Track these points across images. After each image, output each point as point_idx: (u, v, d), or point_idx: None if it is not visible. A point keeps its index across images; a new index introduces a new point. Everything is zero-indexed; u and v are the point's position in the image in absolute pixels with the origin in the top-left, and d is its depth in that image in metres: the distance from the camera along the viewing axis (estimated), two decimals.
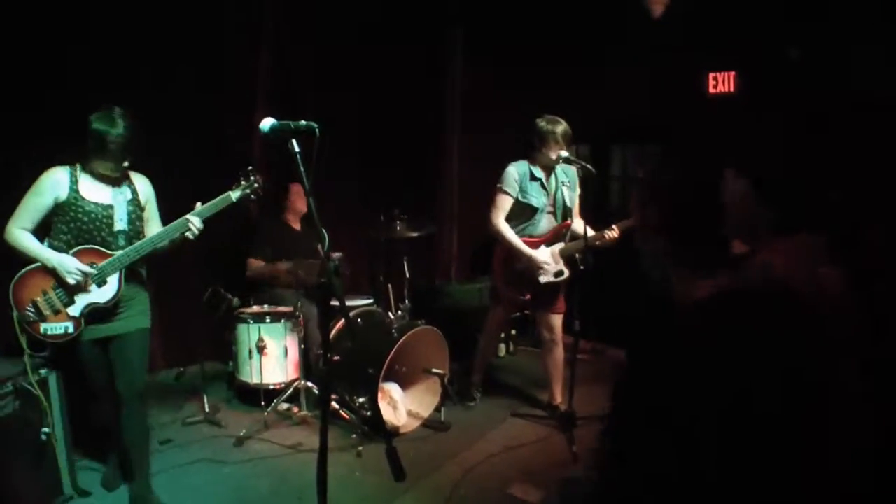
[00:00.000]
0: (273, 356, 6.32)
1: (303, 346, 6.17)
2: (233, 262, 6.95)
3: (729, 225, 5.59)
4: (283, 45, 7.64)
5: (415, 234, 6.47)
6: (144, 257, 4.47)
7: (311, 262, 6.13)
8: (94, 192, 4.40)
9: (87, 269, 4.28)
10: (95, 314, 4.41)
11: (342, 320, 5.88)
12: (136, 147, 4.35)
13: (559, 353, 6.17)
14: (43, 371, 4.56)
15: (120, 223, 4.46)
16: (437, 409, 6.19)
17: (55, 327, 4.32)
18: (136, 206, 4.55)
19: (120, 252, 4.38)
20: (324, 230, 3.10)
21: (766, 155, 6.76)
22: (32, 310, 4.26)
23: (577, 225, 5.95)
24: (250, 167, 4.81)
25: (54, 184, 4.32)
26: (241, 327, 6.38)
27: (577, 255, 5.81)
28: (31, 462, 4.46)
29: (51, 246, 4.34)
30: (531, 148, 5.93)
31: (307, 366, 6.24)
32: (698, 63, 8.09)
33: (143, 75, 6.26)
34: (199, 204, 4.59)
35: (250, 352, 6.28)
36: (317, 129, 3.11)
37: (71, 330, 4.35)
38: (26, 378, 4.44)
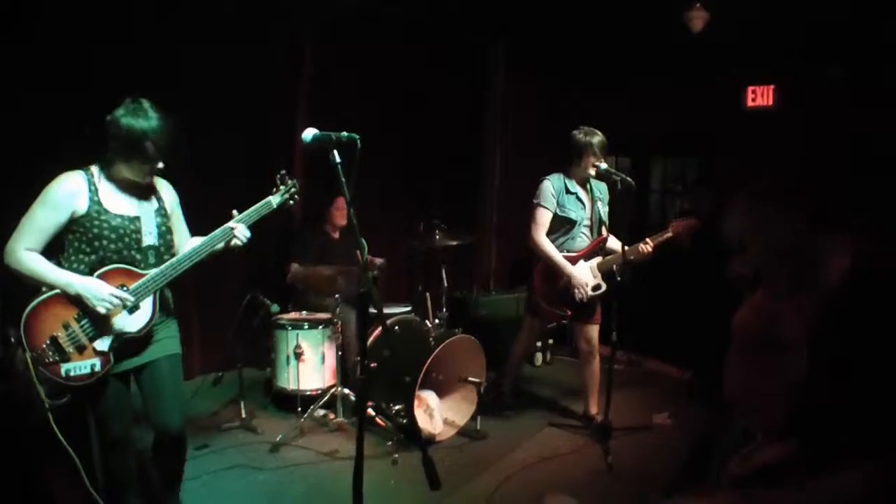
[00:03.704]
0: (310, 362, 6.37)
1: (340, 353, 6.19)
2: (271, 268, 7.02)
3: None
4: (326, 54, 7.72)
5: (453, 244, 6.47)
6: (181, 275, 3.82)
7: (351, 269, 6.18)
8: (117, 202, 3.71)
9: (120, 293, 3.59)
10: (124, 346, 3.72)
11: (380, 327, 5.93)
12: (171, 147, 3.69)
13: (596, 364, 6.17)
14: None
15: (149, 237, 3.80)
16: (473, 418, 6.18)
17: (79, 367, 3.56)
18: (163, 216, 3.92)
19: (154, 271, 3.72)
20: (363, 240, 3.13)
21: (807, 176, 6.76)
22: (51, 348, 3.49)
23: (611, 240, 6.10)
24: (285, 171, 4.31)
25: (70, 194, 3.57)
26: (279, 333, 6.43)
27: (614, 268, 5.82)
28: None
29: (67, 269, 3.60)
30: (567, 161, 5.96)
31: (344, 372, 6.28)
32: (737, 77, 8.10)
33: (183, 82, 6.33)
34: (235, 212, 4.01)
35: (287, 358, 6.34)
36: (358, 141, 3.15)
37: (98, 367, 3.61)
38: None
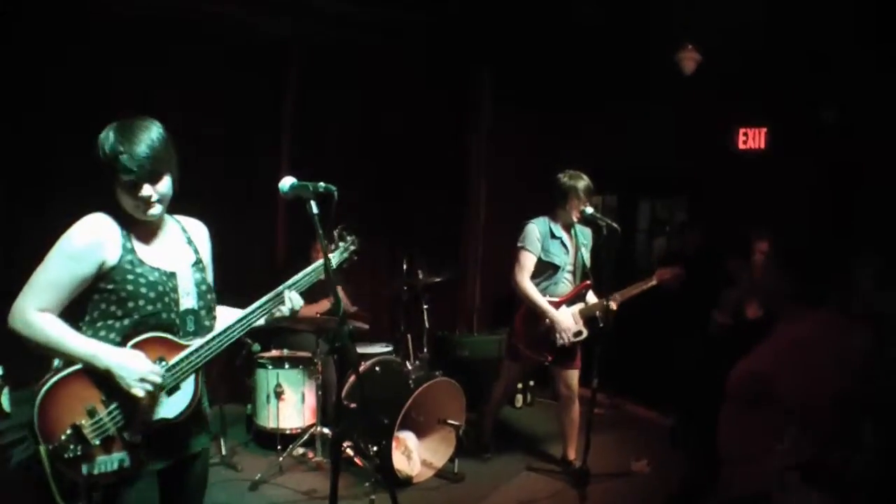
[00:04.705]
0: (290, 401, 6.38)
1: (320, 392, 6.21)
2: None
3: (756, 292, 5.64)
4: (307, 93, 7.84)
5: (436, 280, 6.49)
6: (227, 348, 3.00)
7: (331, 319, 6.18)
8: (153, 252, 2.96)
9: (159, 370, 2.78)
10: (157, 436, 2.86)
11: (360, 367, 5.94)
12: (180, 173, 2.96)
13: (576, 409, 6.15)
14: None
15: (187, 299, 2.99)
16: (452, 460, 6.18)
17: (105, 463, 2.73)
18: (202, 270, 3.13)
19: (198, 341, 2.91)
20: (340, 293, 3.13)
21: (794, 222, 6.80)
22: (73, 439, 2.67)
23: (589, 294, 6.11)
24: (342, 225, 3.62)
25: (97, 241, 2.80)
26: (260, 372, 6.45)
27: (597, 314, 5.81)
28: None
29: (90, 335, 2.82)
30: (553, 204, 5.96)
31: (324, 411, 6.29)
32: (729, 118, 8.11)
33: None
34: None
35: (268, 397, 6.35)
36: (335, 193, 3.09)
37: (127, 463, 2.78)
38: None
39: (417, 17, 7.72)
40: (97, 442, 2.70)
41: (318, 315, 6.50)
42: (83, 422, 2.69)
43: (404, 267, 6.74)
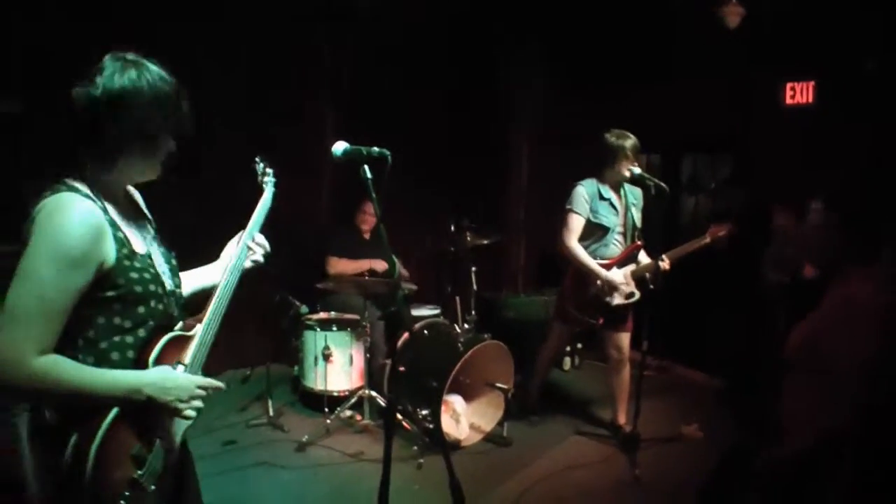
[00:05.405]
0: (338, 364, 6.36)
1: (368, 355, 6.19)
2: (301, 268, 6.98)
3: (811, 252, 5.53)
4: (344, 53, 7.85)
5: (483, 242, 6.42)
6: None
7: (381, 280, 6.16)
8: (133, 234, 2.37)
9: (198, 378, 2.38)
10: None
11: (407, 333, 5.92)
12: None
13: (626, 372, 6.08)
14: None
15: (166, 279, 2.44)
16: (500, 424, 6.15)
17: None
18: (164, 244, 2.58)
19: (199, 330, 2.48)
20: (395, 257, 3.06)
21: (845, 181, 6.65)
22: (132, 499, 2.18)
23: (641, 254, 5.99)
24: (260, 157, 3.27)
25: (98, 234, 2.14)
26: (308, 334, 6.43)
27: (647, 276, 5.73)
28: None
29: (94, 363, 2.20)
30: (600, 164, 5.85)
31: (371, 374, 6.28)
32: (776, 72, 7.93)
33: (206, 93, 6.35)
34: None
35: (316, 358, 6.34)
36: (389, 157, 2.99)
37: (172, 488, 2.43)
38: None
39: None
40: (151, 486, 2.26)
41: (364, 275, 6.48)
42: (137, 473, 2.21)
43: (451, 230, 6.68)
